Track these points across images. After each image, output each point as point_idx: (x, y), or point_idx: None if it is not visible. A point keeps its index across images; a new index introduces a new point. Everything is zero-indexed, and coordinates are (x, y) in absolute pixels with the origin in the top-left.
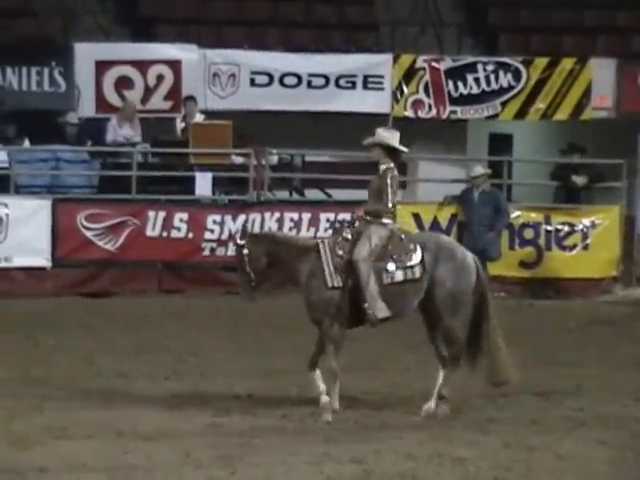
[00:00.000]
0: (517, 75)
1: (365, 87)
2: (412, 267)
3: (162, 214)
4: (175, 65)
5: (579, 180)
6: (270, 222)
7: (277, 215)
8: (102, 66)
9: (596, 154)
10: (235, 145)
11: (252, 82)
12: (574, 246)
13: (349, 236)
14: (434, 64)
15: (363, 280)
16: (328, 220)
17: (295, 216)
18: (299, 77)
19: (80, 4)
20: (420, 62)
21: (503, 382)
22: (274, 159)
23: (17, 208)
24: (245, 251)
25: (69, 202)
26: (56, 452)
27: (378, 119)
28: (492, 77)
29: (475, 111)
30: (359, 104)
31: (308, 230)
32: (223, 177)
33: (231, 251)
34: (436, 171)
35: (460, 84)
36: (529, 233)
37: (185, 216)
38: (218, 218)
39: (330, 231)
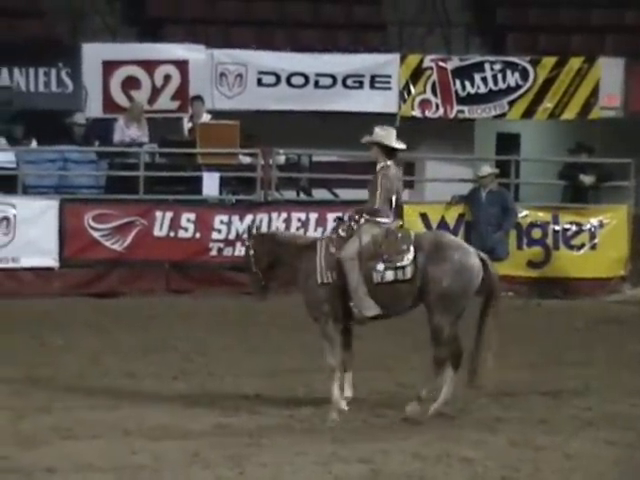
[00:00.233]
0: (525, 74)
1: (372, 87)
2: (403, 267)
3: (169, 214)
4: (182, 65)
5: (587, 179)
6: (277, 222)
7: (284, 215)
8: (109, 66)
9: (604, 153)
10: (242, 145)
11: (259, 82)
12: (582, 245)
13: (344, 234)
14: (441, 64)
15: (348, 278)
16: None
17: (302, 216)
18: (306, 77)
19: (88, 4)
20: (427, 62)
21: (479, 386)
22: (281, 159)
23: (25, 208)
24: (251, 251)
25: (76, 202)
26: (63, 452)
27: (385, 119)
28: (499, 76)
29: (482, 110)
30: (366, 104)
31: (315, 230)
32: (230, 177)
33: (238, 251)
34: (443, 171)
35: (467, 83)
36: (537, 233)
37: (192, 216)
38: (225, 218)
39: None
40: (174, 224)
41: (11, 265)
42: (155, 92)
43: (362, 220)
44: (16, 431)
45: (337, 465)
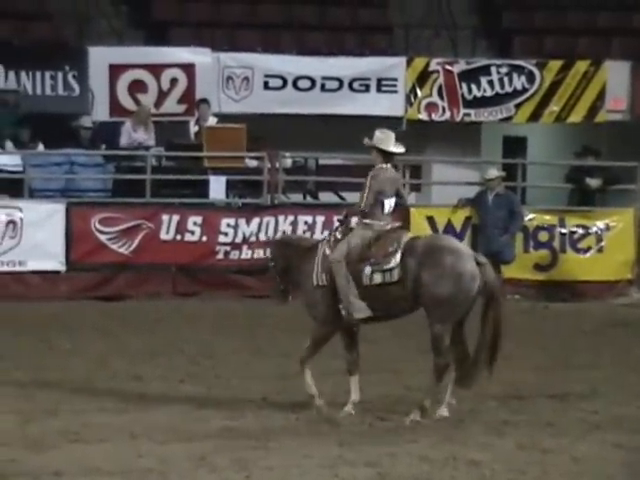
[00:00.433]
0: (531, 77)
1: (379, 90)
2: (390, 270)
3: (176, 217)
4: (189, 69)
5: (593, 182)
6: (284, 225)
7: (291, 218)
8: (116, 70)
9: (610, 156)
10: (249, 148)
11: (266, 85)
12: (588, 249)
13: (339, 236)
14: (448, 67)
15: (336, 280)
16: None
17: (309, 219)
18: (313, 80)
19: (94, 8)
20: (434, 65)
21: (467, 387)
22: (288, 162)
23: (31, 212)
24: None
25: (83, 206)
26: (71, 456)
27: (392, 122)
28: (506, 80)
29: (489, 114)
30: (373, 107)
31: (322, 233)
32: (237, 180)
33: (245, 254)
34: (450, 174)
35: (474, 87)
36: (543, 236)
37: (199, 219)
38: (232, 221)
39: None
40: (181, 227)
41: (18, 268)
42: (161, 95)
43: (352, 222)
44: (24, 434)
45: (344, 468)
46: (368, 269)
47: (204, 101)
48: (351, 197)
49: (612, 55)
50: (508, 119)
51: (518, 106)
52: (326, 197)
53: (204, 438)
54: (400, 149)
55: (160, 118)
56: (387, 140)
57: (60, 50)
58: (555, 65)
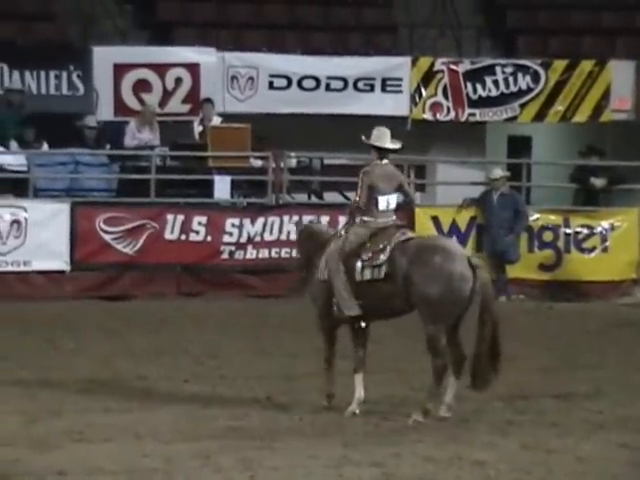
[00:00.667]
0: (536, 77)
1: (383, 90)
2: (379, 266)
3: (181, 217)
4: (193, 68)
5: (598, 182)
6: (289, 225)
7: (296, 218)
8: (120, 69)
9: (615, 156)
10: (254, 148)
11: (270, 85)
12: (593, 248)
13: (344, 232)
14: (452, 66)
15: (330, 275)
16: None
17: (314, 219)
18: (317, 80)
19: (99, 8)
20: (438, 65)
21: (477, 390)
22: (293, 162)
23: (36, 211)
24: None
25: (88, 205)
26: (75, 455)
27: (396, 122)
28: (511, 79)
29: (494, 113)
30: (377, 107)
31: None
32: (242, 180)
33: (250, 254)
34: (455, 174)
35: (479, 86)
36: (548, 235)
37: (204, 219)
38: (237, 221)
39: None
40: (185, 227)
41: (23, 268)
42: (166, 95)
43: (349, 219)
44: (28, 434)
45: (349, 468)
46: (359, 265)
47: (208, 101)
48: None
49: (617, 55)
50: (513, 119)
51: (523, 106)
52: (331, 197)
53: (209, 438)
54: (395, 145)
55: (164, 118)
56: (381, 137)
57: (64, 50)
58: (560, 65)
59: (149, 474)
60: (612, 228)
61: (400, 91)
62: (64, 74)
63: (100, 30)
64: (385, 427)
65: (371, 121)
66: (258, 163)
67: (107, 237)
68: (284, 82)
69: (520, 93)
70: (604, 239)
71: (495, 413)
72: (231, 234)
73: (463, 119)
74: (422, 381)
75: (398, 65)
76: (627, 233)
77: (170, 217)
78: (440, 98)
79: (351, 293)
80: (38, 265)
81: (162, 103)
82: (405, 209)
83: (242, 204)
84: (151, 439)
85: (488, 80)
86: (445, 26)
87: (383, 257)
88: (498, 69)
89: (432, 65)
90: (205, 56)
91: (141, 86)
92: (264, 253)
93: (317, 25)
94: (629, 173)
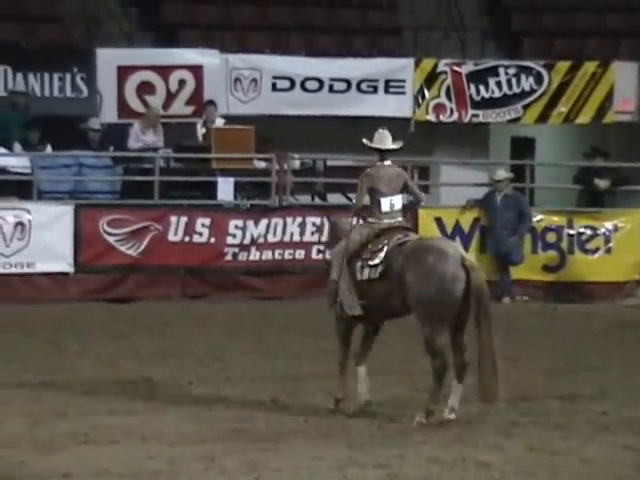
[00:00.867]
0: (539, 79)
1: (387, 91)
2: (375, 266)
3: (184, 219)
4: (197, 70)
5: (602, 183)
6: (292, 227)
7: (299, 220)
8: (124, 71)
9: (619, 157)
10: (257, 150)
11: (274, 87)
12: (597, 250)
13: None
14: (456, 68)
15: (334, 274)
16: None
17: (317, 221)
18: (321, 82)
19: (103, 10)
20: (442, 66)
21: (487, 401)
22: (296, 164)
23: (40, 214)
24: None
25: (91, 208)
26: (80, 457)
27: (400, 123)
28: (514, 81)
29: (497, 115)
30: (381, 108)
31: None
32: (245, 182)
33: (253, 255)
34: (458, 175)
35: (482, 88)
36: (552, 237)
37: (207, 221)
38: (240, 223)
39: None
40: (189, 229)
41: (27, 270)
42: (170, 97)
43: (354, 220)
44: (33, 436)
45: (353, 470)
46: (359, 264)
47: (211, 103)
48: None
49: (620, 56)
50: (516, 120)
51: (526, 107)
52: (334, 198)
53: (214, 440)
54: (393, 145)
55: (168, 120)
56: (380, 138)
57: (68, 52)
58: (563, 66)
59: (154, 476)
60: (616, 229)
61: (403, 92)
62: (68, 76)
63: (105, 32)
64: (389, 428)
65: (374, 122)
66: (261, 165)
67: (111, 239)
68: (287, 84)
69: (523, 94)
70: (608, 240)
71: (499, 414)
72: (234, 236)
73: (466, 120)
74: (426, 382)
75: (401, 67)
76: (631, 234)
77: (174, 219)
78: (443, 99)
79: (354, 293)
80: (42, 267)
81: (166, 105)
82: (411, 209)
83: (245, 206)
84: (156, 441)
85: (491, 81)
86: (450, 28)
87: (380, 257)
88: (501, 70)
89: (435, 66)
90: (208, 58)
91: (145, 88)
92: (267, 255)
93: (321, 27)
94: (633, 174)
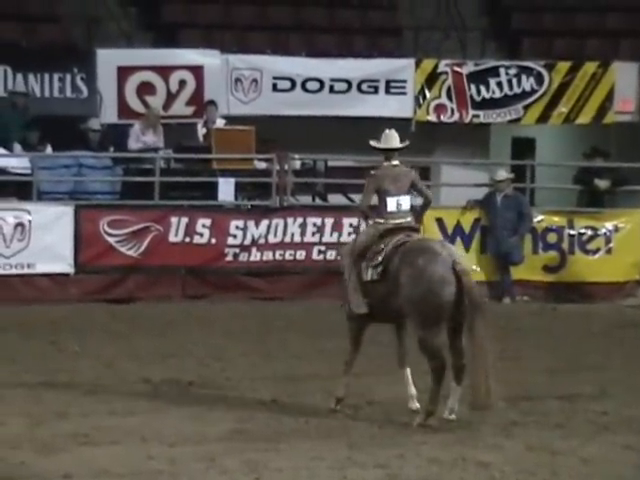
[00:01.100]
0: (539, 79)
1: (387, 92)
2: (376, 267)
3: (185, 220)
4: (197, 70)
5: (602, 184)
6: (293, 227)
7: (300, 220)
8: (124, 72)
9: (619, 158)
10: (258, 150)
11: (274, 87)
12: (597, 250)
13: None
14: (456, 68)
15: (345, 275)
16: (351, 225)
17: (318, 221)
18: (321, 82)
19: (103, 10)
20: (442, 66)
21: (481, 407)
22: (297, 164)
23: (39, 214)
24: None
25: (92, 208)
26: (80, 458)
27: (400, 123)
28: (514, 81)
29: (498, 115)
30: (381, 109)
31: (331, 235)
32: (246, 182)
33: (254, 256)
34: (459, 175)
35: (482, 88)
36: (552, 237)
37: (208, 222)
38: (241, 223)
39: (353, 236)
40: (189, 230)
41: (27, 271)
42: (170, 97)
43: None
44: (33, 437)
45: (353, 470)
46: (364, 265)
47: (211, 103)
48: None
49: (620, 56)
50: (517, 120)
51: (527, 107)
52: (335, 199)
53: (214, 440)
54: (395, 145)
55: (168, 120)
56: (386, 138)
57: (68, 52)
58: (563, 66)
59: (154, 476)
60: (616, 229)
61: (404, 93)
62: (68, 77)
63: (105, 32)
64: (389, 429)
65: (375, 123)
66: (262, 165)
67: (111, 240)
68: (288, 84)
69: (524, 95)
70: (608, 240)
71: (499, 414)
72: (235, 236)
73: (467, 121)
74: (427, 383)
75: (402, 67)
76: (631, 234)
77: (174, 219)
78: (444, 100)
79: (360, 292)
80: (42, 268)
81: (166, 105)
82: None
83: (246, 206)
84: (156, 441)
85: (492, 82)
86: (450, 28)
87: (380, 258)
88: (502, 71)
89: (436, 67)
90: (209, 58)
91: (145, 89)
92: (268, 255)
93: (322, 27)
94: (633, 174)
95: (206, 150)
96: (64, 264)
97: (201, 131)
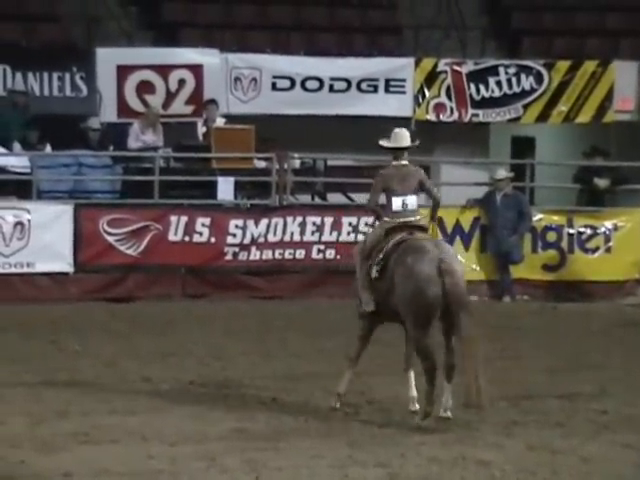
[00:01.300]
0: (539, 78)
1: (387, 91)
2: (377, 265)
3: (184, 219)
4: (197, 69)
5: (602, 183)
6: (292, 226)
7: (299, 219)
8: (124, 71)
9: (619, 157)
10: (257, 149)
11: (274, 86)
12: (597, 249)
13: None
14: (456, 67)
15: (356, 272)
16: (350, 224)
17: (317, 220)
18: (321, 81)
19: (103, 9)
20: (442, 65)
21: (473, 406)
22: (296, 163)
23: (39, 213)
24: None
25: (91, 207)
26: (81, 457)
27: (400, 122)
28: (514, 80)
29: (497, 114)
30: (381, 108)
31: (331, 234)
32: (245, 181)
33: (254, 255)
34: (459, 174)
35: (482, 87)
36: (552, 236)
37: (207, 221)
38: (240, 222)
39: (352, 235)
40: (189, 229)
41: (26, 270)
42: (169, 97)
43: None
44: (33, 436)
45: (354, 469)
46: (370, 263)
47: (212, 102)
48: (360, 198)
49: (620, 55)
50: (516, 119)
51: (526, 106)
52: (335, 198)
53: (214, 439)
54: (407, 143)
55: (168, 119)
56: (396, 137)
57: (68, 51)
58: (563, 65)
59: (155, 476)
60: (616, 228)
61: (403, 92)
62: (67, 76)
63: (104, 31)
64: (390, 428)
65: (375, 122)
66: (262, 164)
67: (111, 239)
68: (287, 83)
69: (523, 94)
70: (608, 239)
71: (500, 413)
72: (235, 235)
73: (466, 120)
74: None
75: (401, 66)
76: (631, 233)
77: (174, 218)
78: (443, 99)
79: (368, 290)
80: (42, 267)
81: (165, 104)
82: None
83: (246, 205)
84: (157, 441)
85: (491, 81)
86: (450, 27)
87: (381, 255)
88: (501, 70)
89: (435, 66)
90: (208, 57)
91: (144, 88)
92: (268, 254)
93: (322, 26)
94: (633, 173)
95: (206, 149)
96: (64, 263)
97: (201, 130)
